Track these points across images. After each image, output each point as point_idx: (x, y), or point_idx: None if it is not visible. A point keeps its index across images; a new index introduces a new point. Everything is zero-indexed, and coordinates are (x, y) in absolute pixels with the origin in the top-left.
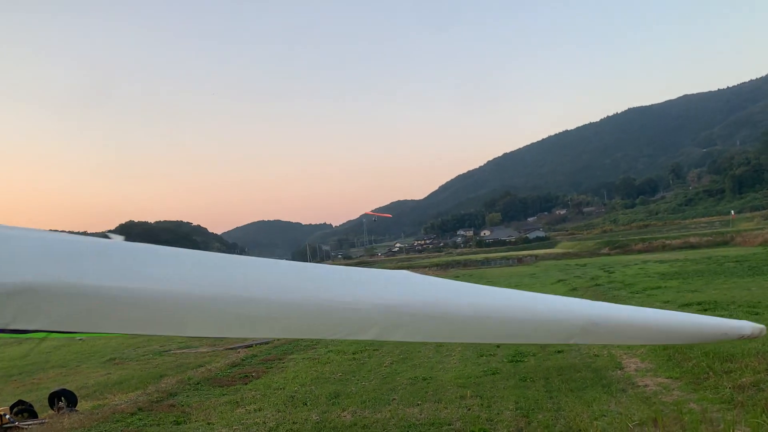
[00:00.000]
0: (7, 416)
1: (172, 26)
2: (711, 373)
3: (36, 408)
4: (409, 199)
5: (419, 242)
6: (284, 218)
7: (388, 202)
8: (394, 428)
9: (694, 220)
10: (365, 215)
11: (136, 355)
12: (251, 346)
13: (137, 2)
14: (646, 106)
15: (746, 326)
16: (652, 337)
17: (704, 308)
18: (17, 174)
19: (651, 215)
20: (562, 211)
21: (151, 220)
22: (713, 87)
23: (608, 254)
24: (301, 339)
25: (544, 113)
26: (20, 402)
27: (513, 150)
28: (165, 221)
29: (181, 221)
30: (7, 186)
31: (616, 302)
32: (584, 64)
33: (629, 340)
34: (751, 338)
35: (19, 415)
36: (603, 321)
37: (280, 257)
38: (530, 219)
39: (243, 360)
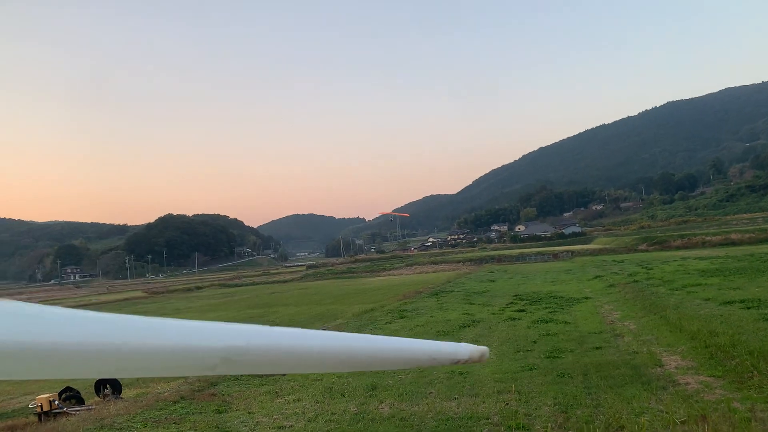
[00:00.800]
0: (56, 402)
1: (207, 16)
2: (755, 372)
3: (83, 395)
4: (443, 193)
5: (452, 237)
6: (318, 212)
7: (421, 197)
8: (432, 421)
9: (736, 216)
10: (382, 215)
11: None
12: None
13: None
14: (685, 100)
15: (462, 350)
16: (324, 364)
17: (747, 306)
18: (57, 169)
19: (690, 211)
20: (599, 207)
21: (190, 213)
22: (756, 80)
23: (646, 250)
24: (338, 331)
25: (580, 107)
26: (68, 389)
27: (549, 144)
28: (203, 214)
29: (218, 215)
30: (47, 181)
31: (656, 299)
32: (622, 58)
33: (291, 369)
34: (470, 363)
35: (67, 402)
36: (251, 348)
37: (314, 250)
38: (566, 214)
39: None
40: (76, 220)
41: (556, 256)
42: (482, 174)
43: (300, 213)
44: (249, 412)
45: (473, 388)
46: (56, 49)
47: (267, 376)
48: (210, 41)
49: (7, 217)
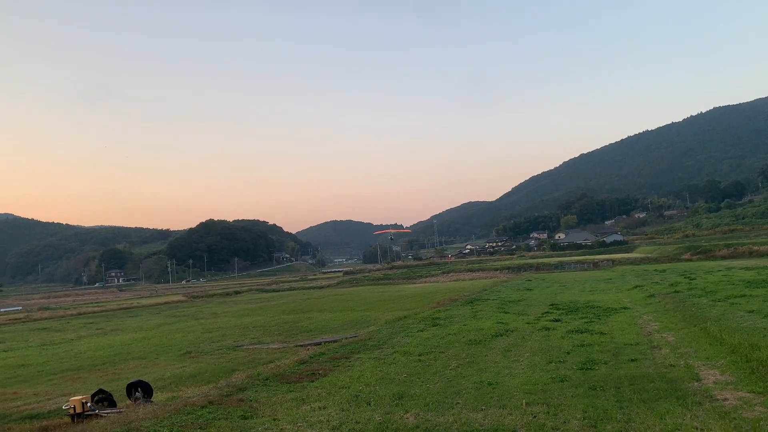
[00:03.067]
0: (89, 404)
1: (250, 20)
2: None
3: (115, 397)
4: (481, 200)
5: (491, 244)
6: (356, 218)
7: (459, 204)
8: None
9: None
10: (379, 234)
11: (211, 350)
12: (320, 343)
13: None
14: (733, 105)
15: None
16: None
17: None
18: (103, 175)
19: (737, 219)
20: (642, 215)
21: (230, 218)
22: None
23: (690, 260)
24: (369, 339)
25: (623, 113)
26: (101, 391)
27: (590, 151)
28: (243, 220)
29: (258, 220)
30: (93, 186)
31: (697, 311)
32: (666, 62)
33: None
34: None
35: (99, 404)
36: None
37: (351, 256)
38: (608, 222)
39: (311, 357)
40: (121, 225)
41: (596, 264)
42: (522, 181)
43: (338, 219)
44: (274, 419)
45: (501, 400)
46: (102, 53)
47: (294, 382)
48: (246, 46)
49: (55, 221)
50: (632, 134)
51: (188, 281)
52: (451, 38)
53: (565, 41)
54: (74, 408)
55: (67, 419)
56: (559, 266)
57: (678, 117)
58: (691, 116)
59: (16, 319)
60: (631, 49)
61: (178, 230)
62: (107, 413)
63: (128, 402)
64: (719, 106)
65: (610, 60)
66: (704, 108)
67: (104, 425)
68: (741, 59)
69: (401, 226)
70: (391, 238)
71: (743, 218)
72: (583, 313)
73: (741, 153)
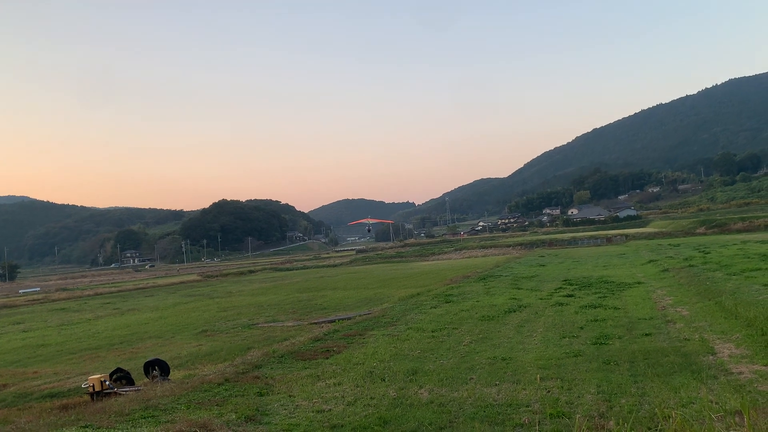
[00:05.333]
0: (107, 383)
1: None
2: None
3: (133, 376)
4: (493, 177)
5: (503, 221)
6: (368, 197)
7: (471, 180)
8: (471, 408)
9: None
10: (358, 223)
11: (226, 328)
12: (334, 321)
13: None
14: (749, 77)
15: None
16: None
17: None
18: (117, 156)
19: (752, 193)
20: (656, 189)
21: (243, 198)
22: None
23: (704, 234)
24: (382, 316)
25: (636, 87)
26: (119, 369)
27: (603, 125)
28: (255, 200)
29: (270, 200)
30: (107, 167)
31: (711, 285)
32: (680, 34)
33: None
34: None
35: (118, 382)
36: None
37: (364, 235)
38: (621, 197)
39: (326, 335)
40: (135, 206)
41: (609, 240)
42: (534, 157)
43: (351, 198)
44: (290, 395)
45: (515, 375)
46: (118, 38)
47: (309, 359)
48: (258, 24)
49: (70, 203)
50: (646, 108)
51: (205, 260)
52: (468, 10)
53: (577, 13)
54: (93, 386)
55: (87, 397)
56: (572, 242)
57: (692, 89)
58: (706, 88)
59: (35, 300)
60: (644, 21)
61: (192, 210)
62: (126, 391)
63: (146, 380)
64: (735, 78)
65: (622, 32)
66: (720, 80)
67: (123, 403)
68: (758, 29)
69: (413, 204)
70: (369, 229)
71: (759, 191)
72: (597, 288)
73: (757, 125)
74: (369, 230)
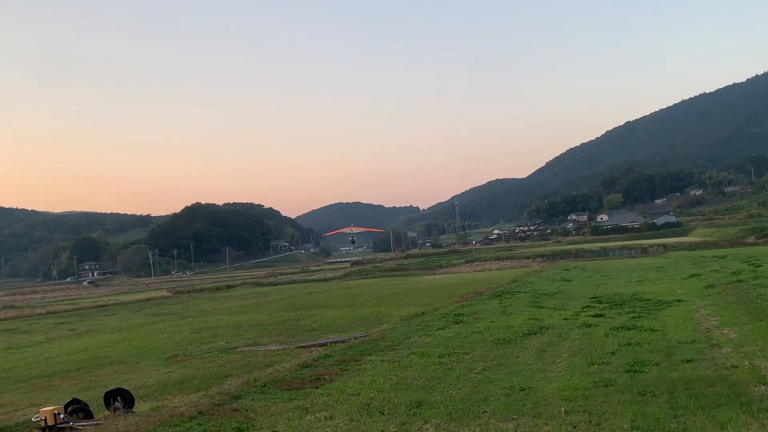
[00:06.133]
0: (62, 416)
1: None
2: None
3: (91, 408)
4: (510, 177)
5: (522, 228)
6: (365, 200)
7: (485, 182)
8: None
9: None
10: (335, 234)
11: (200, 352)
12: (325, 344)
13: None
14: None
15: None
16: None
17: None
18: (73, 154)
19: None
20: (698, 192)
21: (220, 202)
22: None
23: (754, 244)
24: (381, 338)
25: (676, 74)
26: (75, 401)
27: (637, 118)
28: (234, 203)
29: (252, 203)
30: (62, 167)
31: (763, 303)
32: (727, 15)
33: None
34: None
35: (74, 415)
36: None
37: (360, 244)
38: (658, 201)
39: (315, 360)
40: (95, 210)
41: (644, 250)
42: (557, 154)
43: (344, 201)
44: (273, 431)
45: (535, 407)
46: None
47: (296, 389)
48: (242, 17)
49: (19, 207)
50: (687, 98)
51: (175, 273)
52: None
53: None
54: (45, 420)
55: None
56: (602, 253)
57: (741, 77)
58: (756, 76)
59: None
60: (687, 1)
61: (161, 216)
62: (83, 425)
63: (106, 413)
64: None
65: (661, 14)
66: None
67: None
68: None
69: (417, 209)
70: (352, 240)
71: None
72: (630, 307)
73: None
74: (353, 241)
